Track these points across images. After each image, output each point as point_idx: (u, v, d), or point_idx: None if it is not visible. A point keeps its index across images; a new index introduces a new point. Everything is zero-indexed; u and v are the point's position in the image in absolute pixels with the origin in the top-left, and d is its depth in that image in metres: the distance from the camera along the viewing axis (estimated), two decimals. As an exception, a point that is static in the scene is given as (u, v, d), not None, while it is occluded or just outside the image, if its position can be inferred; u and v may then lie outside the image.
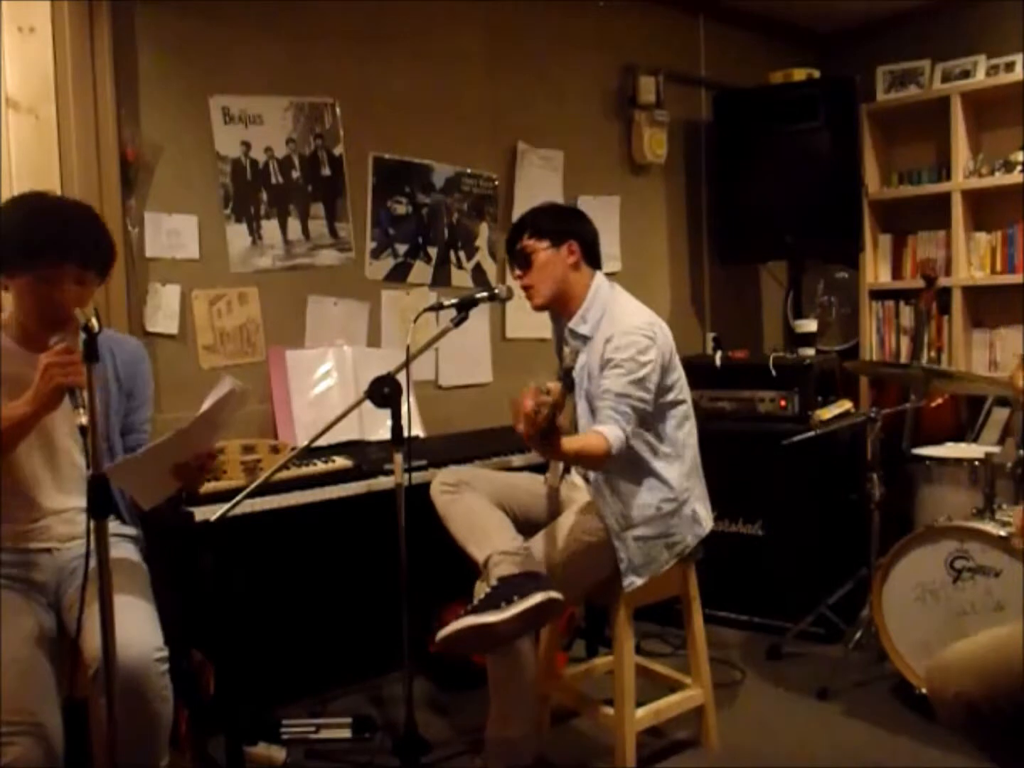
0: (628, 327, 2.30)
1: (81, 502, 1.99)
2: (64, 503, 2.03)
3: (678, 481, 2.38)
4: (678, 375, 2.41)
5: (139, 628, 1.81)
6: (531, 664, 2.32)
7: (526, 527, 2.39)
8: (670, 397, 2.37)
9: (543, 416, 1.80)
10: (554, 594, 2.10)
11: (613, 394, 2.21)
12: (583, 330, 2.40)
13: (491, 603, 2.08)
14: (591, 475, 2.40)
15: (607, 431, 2.16)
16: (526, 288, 2.46)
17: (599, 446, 2.14)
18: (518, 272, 2.48)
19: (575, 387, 2.42)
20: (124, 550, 2.06)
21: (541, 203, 2.64)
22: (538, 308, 2.49)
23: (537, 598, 2.07)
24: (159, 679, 1.79)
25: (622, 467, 2.32)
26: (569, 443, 2.06)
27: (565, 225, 2.45)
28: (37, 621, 1.90)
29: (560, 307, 2.47)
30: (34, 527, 2.00)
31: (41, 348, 1.81)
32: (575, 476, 2.52)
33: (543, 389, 1.81)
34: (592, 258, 2.47)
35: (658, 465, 2.36)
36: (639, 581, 2.35)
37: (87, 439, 1.74)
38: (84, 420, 1.60)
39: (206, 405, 1.89)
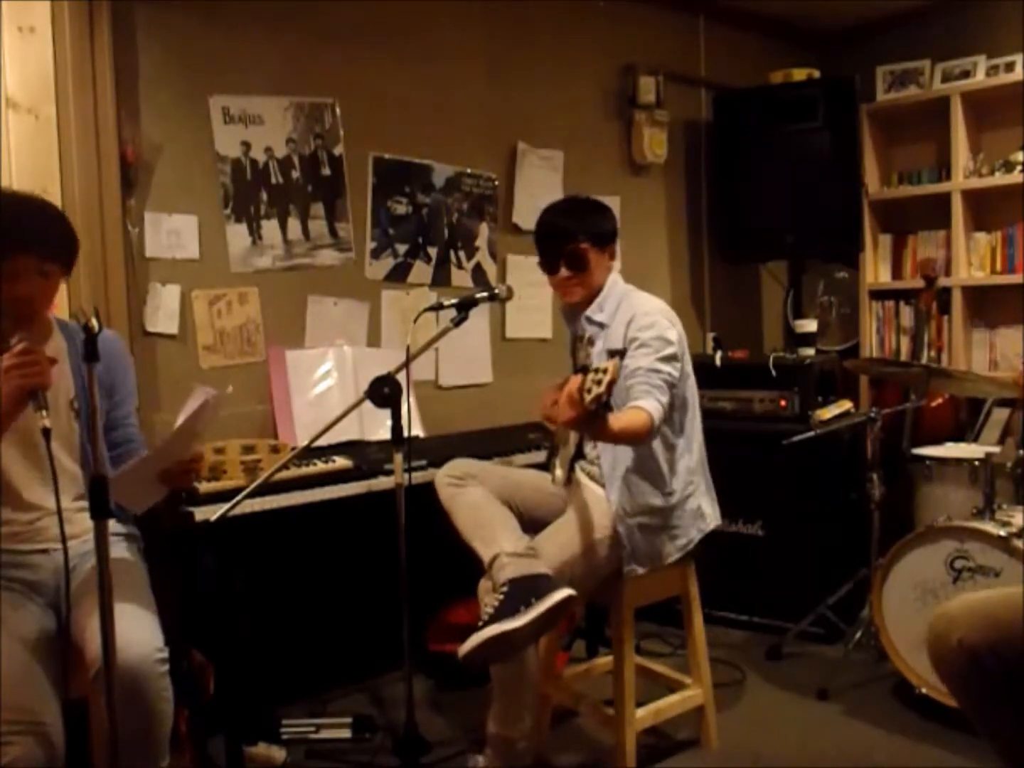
0: (649, 309, 2.35)
1: (76, 502, 2.00)
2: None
3: (684, 475, 2.40)
4: (690, 368, 2.43)
5: (139, 628, 1.80)
6: (534, 663, 2.32)
7: (531, 523, 2.38)
8: (683, 388, 2.38)
9: (595, 395, 1.81)
10: (569, 591, 2.11)
11: (644, 370, 2.23)
12: (599, 317, 2.42)
13: (508, 609, 2.07)
14: (603, 460, 2.40)
15: (646, 404, 2.17)
16: (569, 287, 2.43)
17: (642, 420, 2.14)
18: (567, 273, 2.41)
19: None
20: (119, 549, 2.05)
21: (581, 199, 2.57)
22: (576, 305, 2.47)
23: (554, 597, 2.08)
24: (159, 679, 1.79)
25: (634, 454, 2.34)
26: (615, 421, 2.06)
27: (605, 229, 2.47)
28: (37, 621, 1.90)
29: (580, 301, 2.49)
30: (30, 528, 1.99)
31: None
32: (580, 474, 2.52)
33: (601, 367, 1.82)
34: (614, 252, 2.52)
35: (668, 456, 2.37)
36: (640, 570, 2.36)
37: (82, 439, 1.72)
38: (47, 423, 1.58)
39: (182, 417, 1.90)
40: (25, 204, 1.95)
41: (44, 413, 1.62)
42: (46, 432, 1.58)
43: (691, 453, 2.43)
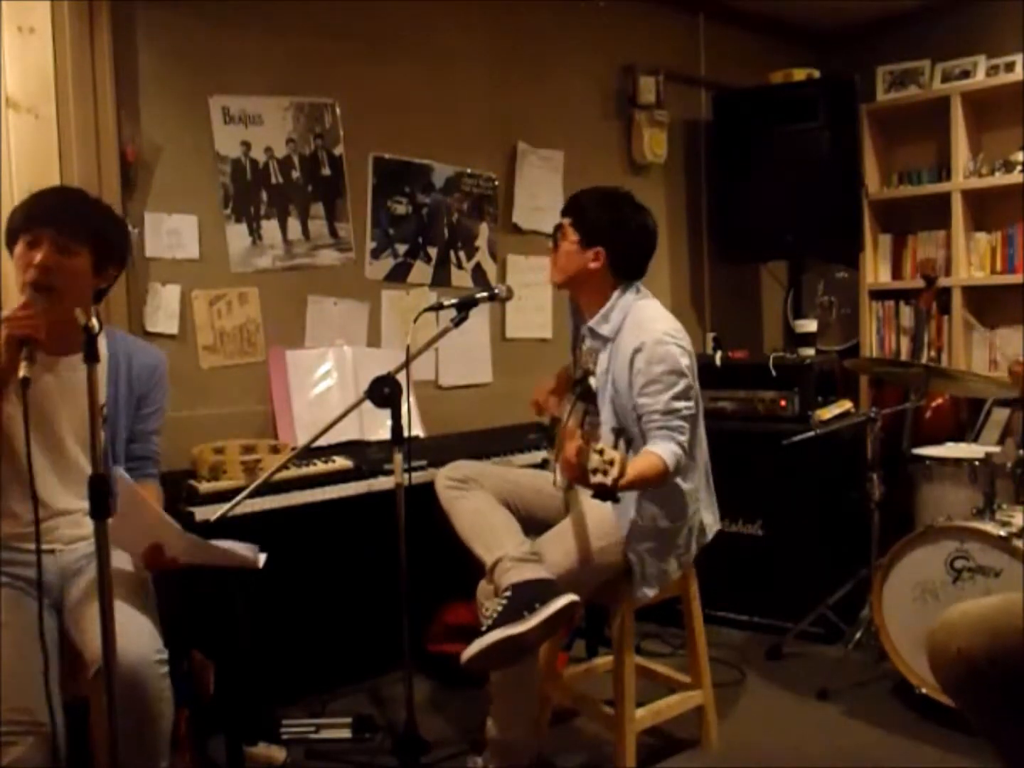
0: (659, 336, 2.23)
1: (87, 504, 2.00)
2: (70, 504, 2.03)
3: (691, 495, 2.36)
4: (697, 385, 2.37)
5: (139, 631, 1.81)
6: (533, 667, 2.31)
7: (531, 524, 2.38)
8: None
9: (599, 483, 1.77)
10: (573, 597, 2.09)
11: (660, 413, 2.17)
12: (604, 331, 2.34)
13: (512, 614, 2.05)
14: None
15: (660, 450, 2.11)
16: (551, 262, 2.47)
17: (656, 469, 2.09)
18: (550, 244, 2.47)
19: (596, 392, 2.34)
20: (126, 556, 2.05)
21: (606, 187, 2.50)
22: (554, 285, 2.50)
23: (559, 602, 2.06)
24: (159, 680, 1.79)
25: None
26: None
27: (602, 230, 2.36)
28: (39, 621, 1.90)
29: (577, 298, 2.47)
30: (40, 527, 1.99)
31: None
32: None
33: (607, 457, 1.77)
34: (625, 269, 2.38)
35: (677, 479, 2.31)
36: (651, 593, 2.34)
37: (106, 446, 1.74)
38: (24, 372, 1.61)
39: (222, 545, 1.98)
40: (59, 189, 2.18)
41: (24, 364, 1.64)
42: (24, 381, 1.61)
43: (697, 471, 2.39)
